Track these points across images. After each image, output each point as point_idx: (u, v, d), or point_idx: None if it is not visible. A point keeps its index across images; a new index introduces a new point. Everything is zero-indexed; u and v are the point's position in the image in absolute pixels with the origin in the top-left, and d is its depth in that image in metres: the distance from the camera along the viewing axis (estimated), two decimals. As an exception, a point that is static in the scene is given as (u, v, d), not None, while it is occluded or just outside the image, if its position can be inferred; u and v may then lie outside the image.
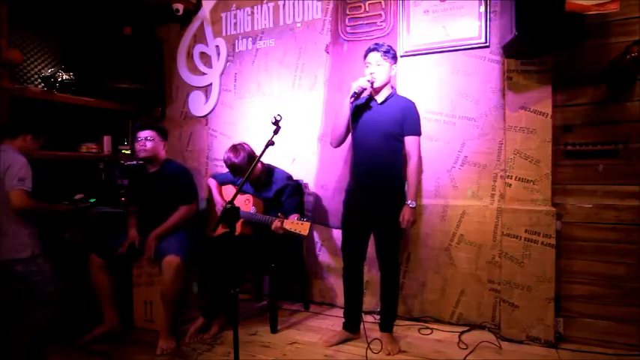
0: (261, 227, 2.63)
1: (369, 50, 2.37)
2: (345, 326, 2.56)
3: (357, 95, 2.33)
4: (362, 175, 2.38)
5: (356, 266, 2.51)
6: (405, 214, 2.28)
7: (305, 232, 2.39)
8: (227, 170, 2.75)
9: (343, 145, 2.55)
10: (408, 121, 2.33)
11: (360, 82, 2.31)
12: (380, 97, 2.39)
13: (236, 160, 2.59)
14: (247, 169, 2.51)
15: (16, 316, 2.25)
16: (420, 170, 2.34)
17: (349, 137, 2.45)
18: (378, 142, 2.33)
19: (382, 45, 2.36)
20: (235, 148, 2.65)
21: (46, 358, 2.31)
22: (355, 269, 2.52)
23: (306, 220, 2.42)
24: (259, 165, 2.75)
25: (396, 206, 2.33)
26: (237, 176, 2.70)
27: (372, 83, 2.32)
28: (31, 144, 2.42)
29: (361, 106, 2.41)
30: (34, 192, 2.27)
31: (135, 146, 2.72)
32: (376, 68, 2.32)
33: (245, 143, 2.72)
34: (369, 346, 2.38)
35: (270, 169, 2.84)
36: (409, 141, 2.33)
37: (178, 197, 2.72)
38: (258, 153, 2.17)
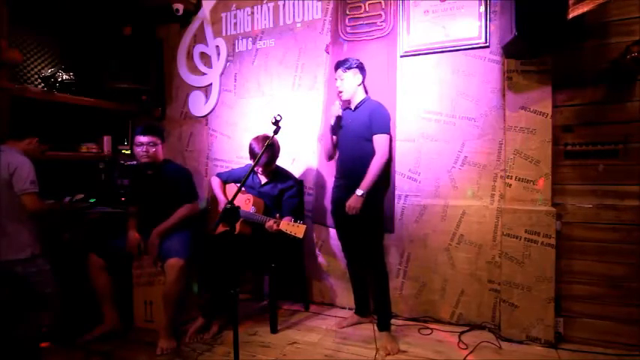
0: (260, 227, 2.63)
1: (334, 68, 2.59)
2: (356, 310, 2.83)
3: (337, 118, 2.58)
4: (340, 176, 2.61)
5: (353, 258, 2.71)
6: (349, 201, 2.39)
7: (300, 235, 2.45)
8: (229, 167, 2.73)
9: None
10: (375, 121, 2.46)
11: (335, 107, 2.57)
12: (353, 105, 2.61)
13: (258, 151, 2.62)
14: (267, 161, 2.67)
15: (15, 316, 2.26)
16: (381, 166, 2.39)
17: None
18: (352, 145, 2.52)
19: (344, 61, 2.56)
20: (266, 139, 2.65)
21: (45, 358, 2.32)
22: (352, 261, 2.71)
23: (302, 223, 2.44)
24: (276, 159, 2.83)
25: (370, 205, 2.41)
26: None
27: (340, 100, 2.56)
28: (36, 147, 2.43)
29: (339, 116, 2.60)
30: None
31: (135, 150, 2.70)
32: (340, 83, 2.54)
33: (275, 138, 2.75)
34: (377, 351, 2.39)
35: (281, 169, 2.90)
36: (376, 138, 2.45)
37: (181, 196, 2.72)
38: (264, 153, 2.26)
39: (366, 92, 2.63)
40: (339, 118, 2.59)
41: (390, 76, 2.85)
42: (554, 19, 1.99)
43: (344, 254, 2.79)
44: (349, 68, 2.52)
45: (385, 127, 2.46)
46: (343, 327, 2.72)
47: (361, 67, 2.57)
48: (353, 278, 2.80)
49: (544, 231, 2.42)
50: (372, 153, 2.44)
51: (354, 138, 2.50)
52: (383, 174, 2.48)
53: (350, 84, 2.53)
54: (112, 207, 3.09)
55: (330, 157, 2.74)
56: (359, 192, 2.36)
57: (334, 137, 2.67)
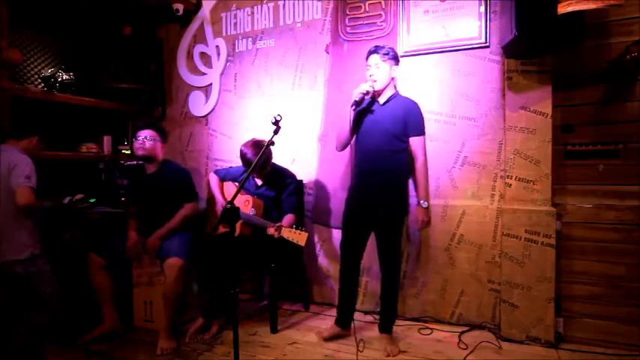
0: (260, 228, 2.63)
1: (369, 53, 2.38)
2: (337, 321, 2.60)
3: (357, 103, 2.36)
4: (364, 174, 2.42)
5: (353, 264, 2.53)
6: (419, 215, 2.29)
7: (302, 243, 2.45)
8: (229, 167, 2.72)
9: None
10: (412, 121, 2.34)
11: (360, 89, 2.33)
12: (382, 99, 2.42)
13: (252, 158, 2.58)
14: (259, 167, 2.61)
15: (15, 316, 2.25)
16: (427, 170, 2.35)
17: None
18: (380, 142, 2.35)
19: (382, 47, 2.37)
20: (257, 146, 2.64)
21: (46, 358, 2.31)
22: (353, 268, 2.54)
23: (304, 230, 2.44)
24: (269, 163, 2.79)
25: (397, 205, 2.34)
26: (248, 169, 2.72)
27: (372, 87, 2.34)
28: (36, 146, 2.44)
29: (364, 108, 2.43)
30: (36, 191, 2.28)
31: (134, 145, 2.72)
32: (375, 70, 2.35)
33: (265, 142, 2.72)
34: (357, 347, 2.40)
35: (277, 168, 2.87)
36: (414, 141, 2.35)
37: (182, 196, 2.72)
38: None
39: (395, 87, 2.48)
40: (359, 103, 2.35)
41: (390, 76, 2.85)
42: (547, 16, 1.98)
43: (344, 254, 2.52)
44: (389, 58, 2.33)
45: (423, 128, 2.37)
46: (324, 338, 2.53)
47: (398, 60, 2.40)
48: (346, 282, 2.54)
49: (544, 231, 2.42)
50: (401, 152, 2.34)
51: (384, 134, 2.33)
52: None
53: (385, 75, 2.34)
54: (112, 207, 3.09)
55: (343, 147, 2.54)
56: (424, 204, 2.29)
57: (353, 129, 2.44)
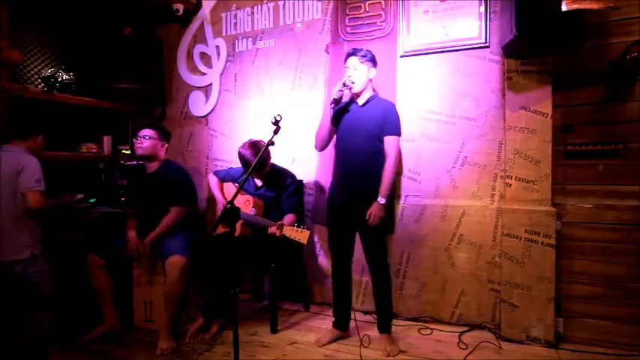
0: (261, 228, 2.63)
1: (348, 55, 2.43)
2: (335, 324, 2.58)
3: (336, 101, 2.40)
4: (344, 174, 2.43)
5: (343, 265, 2.53)
6: (372, 210, 2.27)
7: (304, 241, 2.46)
8: (229, 167, 2.72)
9: None
10: (388, 121, 2.37)
11: (338, 87, 2.37)
12: (361, 100, 2.45)
13: (252, 159, 2.59)
14: (258, 168, 2.61)
15: (16, 317, 2.26)
16: (395, 169, 2.34)
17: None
18: (359, 143, 2.38)
19: (360, 50, 2.42)
20: (255, 146, 2.66)
21: (50, 357, 2.31)
22: (342, 268, 2.54)
23: (306, 229, 2.44)
24: (268, 164, 2.79)
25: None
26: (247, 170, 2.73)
27: (350, 88, 2.38)
28: (41, 145, 2.45)
29: (343, 109, 2.46)
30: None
31: (134, 144, 2.73)
32: (354, 72, 2.39)
33: (263, 142, 2.73)
34: (361, 343, 2.41)
35: (277, 168, 2.87)
36: (388, 140, 2.36)
37: (173, 197, 2.70)
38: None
39: (373, 89, 2.51)
40: (338, 101, 2.40)
41: (390, 76, 2.85)
42: (547, 16, 1.97)
43: (334, 256, 2.54)
44: (367, 60, 2.39)
45: (398, 129, 2.38)
46: (323, 344, 2.49)
47: (375, 62, 2.45)
48: (339, 284, 2.54)
49: (544, 231, 2.42)
50: (380, 152, 2.35)
51: (364, 135, 2.37)
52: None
53: (363, 76, 2.39)
54: (112, 207, 3.09)
55: (323, 147, 2.56)
56: (382, 200, 2.26)
57: (333, 128, 2.48)
